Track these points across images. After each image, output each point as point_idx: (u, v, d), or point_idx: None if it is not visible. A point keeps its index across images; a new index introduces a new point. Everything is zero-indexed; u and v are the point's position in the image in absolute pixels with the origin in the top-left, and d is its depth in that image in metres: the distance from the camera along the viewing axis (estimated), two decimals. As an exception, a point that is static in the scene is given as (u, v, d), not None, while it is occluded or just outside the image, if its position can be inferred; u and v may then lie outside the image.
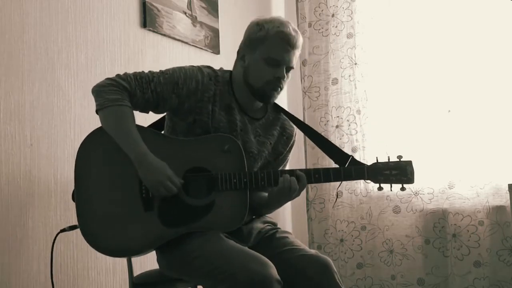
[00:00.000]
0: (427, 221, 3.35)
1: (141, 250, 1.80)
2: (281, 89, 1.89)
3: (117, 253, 1.85)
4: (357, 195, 3.52)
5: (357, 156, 3.52)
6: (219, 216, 1.77)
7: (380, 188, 1.88)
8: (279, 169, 2.02)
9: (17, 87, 2.06)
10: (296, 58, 1.89)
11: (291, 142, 2.04)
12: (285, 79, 1.87)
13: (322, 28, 3.69)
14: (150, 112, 1.91)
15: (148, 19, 2.66)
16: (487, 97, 3.25)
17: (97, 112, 1.80)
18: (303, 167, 3.63)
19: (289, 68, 1.88)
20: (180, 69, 1.89)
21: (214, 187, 1.78)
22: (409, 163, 1.87)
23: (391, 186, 1.88)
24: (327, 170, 1.84)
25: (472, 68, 3.29)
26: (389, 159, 1.88)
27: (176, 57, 2.84)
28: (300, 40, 1.88)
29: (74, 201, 1.79)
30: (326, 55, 3.66)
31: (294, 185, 1.79)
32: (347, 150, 3.51)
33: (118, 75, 1.82)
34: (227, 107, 1.90)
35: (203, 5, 3.08)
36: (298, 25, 3.77)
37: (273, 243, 1.91)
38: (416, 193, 3.37)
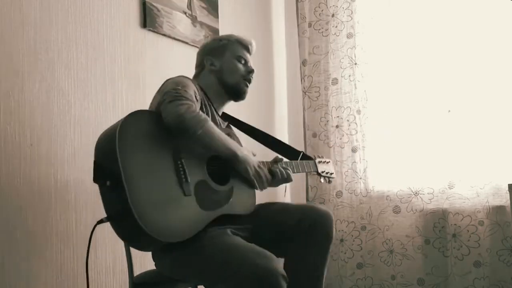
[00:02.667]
0: (427, 221, 3.35)
1: (188, 233, 1.76)
2: (249, 84, 2.17)
3: (170, 236, 1.73)
4: (357, 195, 3.52)
5: (357, 156, 3.53)
6: (239, 199, 1.96)
7: (321, 180, 2.37)
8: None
9: (17, 87, 2.06)
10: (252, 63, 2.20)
11: None
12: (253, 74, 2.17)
13: (322, 28, 3.69)
14: None
15: (148, 19, 2.66)
16: (487, 97, 3.25)
17: (194, 137, 1.81)
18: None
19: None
20: (182, 80, 1.96)
21: (230, 172, 1.95)
22: (331, 162, 2.45)
23: (327, 180, 2.39)
24: (300, 163, 2.23)
25: (472, 68, 3.29)
26: (320, 156, 2.41)
27: (176, 57, 2.84)
28: (254, 48, 2.21)
29: (96, 183, 1.73)
30: (326, 55, 3.66)
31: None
32: (347, 150, 3.52)
33: (176, 96, 1.82)
34: (211, 114, 2.06)
35: (203, 5, 3.07)
36: (298, 25, 3.77)
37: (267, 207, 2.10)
38: (416, 193, 3.37)
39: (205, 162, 1.89)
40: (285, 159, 2.18)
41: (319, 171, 2.34)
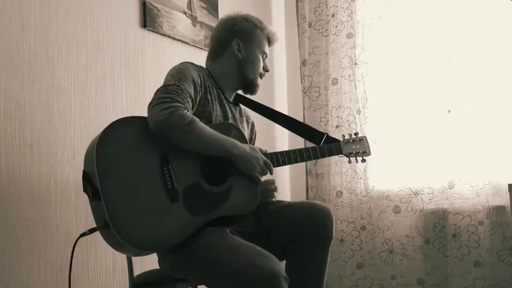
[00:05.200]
0: (427, 221, 3.35)
1: (174, 241, 1.75)
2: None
3: (153, 246, 1.76)
4: (357, 195, 3.52)
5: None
6: (237, 200, 1.86)
7: (350, 161, 2.23)
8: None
9: (17, 87, 2.06)
10: None
11: (255, 130, 2.27)
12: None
13: (322, 28, 3.69)
14: None
15: (148, 19, 2.66)
16: (487, 97, 3.24)
17: (180, 143, 1.77)
18: (303, 164, 3.64)
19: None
20: (182, 69, 1.93)
21: (228, 171, 1.86)
22: (365, 138, 2.27)
23: (356, 160, 2.23)
24: (314, 148, 2.10)
25: (472, 68, 3.29)
26: (350, 135, 2.23)
27: (176, 57, 2.84)
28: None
29: (89, 197, 1.74)
30: (326, 55, 3.66)
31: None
32: (347, 150, 3.51)
33: (164, 101, 1.77)
34: (218, 98, 2.01)
35: (203, 5, 3.07)
36: (298, 25, 3.77)
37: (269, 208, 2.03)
38: (416, 193, 3.37)
39: (199, 164, 1.82)
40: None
41: (346, 152, 2.19)
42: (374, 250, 3.45)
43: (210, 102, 1.96)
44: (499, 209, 3.18)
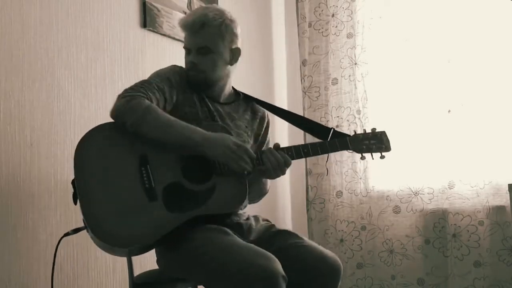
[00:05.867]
0: (427, 221, 3.35)
1: (152, 238, 1.77)
2: (202, 72, 1.96)
3: (133, 244, 1.77)
4: (357, 195, 3.52)
5: (357, 156, 3.52)
6: (222, 197, 1.82)
7: (363, 157, 1.99)
8: (262, 149, 2.07)
9: (17, 87, 2.06)
10: (202, 36, 1.94)
11: (266, 123, 2.14)
12: (196, 61, 1.95)
13: (322, 28, 3.69)
14: None
15: (148, 19, 2.66)
16: (487, 97, 3.25)
17: (136, 129, 1.79)
18: (303, 164, 3.64)
19: (201, 49, 1.94)
20: (162, 70, 2.00)
21: (213, 170, 1.83)
22: (383, 133, 2.01)
23: (372, 155, 1.99)
24: (314, 144, 1.93)
25: (472, 68, 3.29)
26: (365, 131, 1.99)
27: (176, 57, 2.83)
28: (192, 20, 1.94)
29: (75, 204, 1.78)
30: (326, 55, 3.66)
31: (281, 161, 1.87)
32: (347, 150, 3.51)
33: (126, 91, 1.84)
34: (201, 98, 1.99)
35: (203, 5, 3.07)
36: (298, 25, 3.77)
37: (276, 238, 1.95)
38: (416, 193, 3.37)
39: (181, 164, 1.83)
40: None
41: (355, 148, 1.95)
42: (374, 250, 3.45)
43: (196, 102, 1.96)
44: (499, 209, 3.18)
